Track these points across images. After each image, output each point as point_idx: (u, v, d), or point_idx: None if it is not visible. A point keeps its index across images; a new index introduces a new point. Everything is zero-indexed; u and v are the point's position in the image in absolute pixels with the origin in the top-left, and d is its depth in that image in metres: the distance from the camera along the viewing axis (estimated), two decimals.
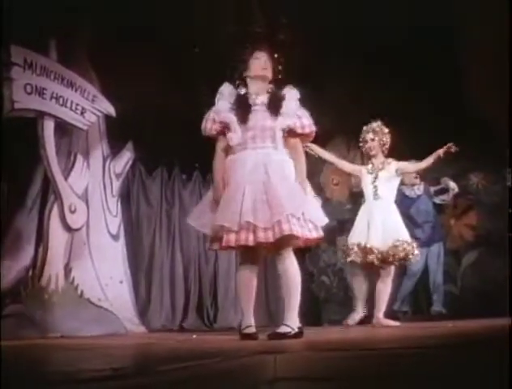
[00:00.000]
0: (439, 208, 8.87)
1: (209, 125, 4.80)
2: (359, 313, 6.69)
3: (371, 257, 6.43)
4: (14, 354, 3.66)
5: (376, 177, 6.68)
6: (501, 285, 7.94)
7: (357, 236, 6.63)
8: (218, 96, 4.89)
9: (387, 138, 6.80)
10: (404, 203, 8.69)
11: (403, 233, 6.64)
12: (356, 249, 6.53)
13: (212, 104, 5.02)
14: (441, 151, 6.78)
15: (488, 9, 6.72)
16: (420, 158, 8.56)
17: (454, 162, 8.92)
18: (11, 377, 2.00)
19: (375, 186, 6.68)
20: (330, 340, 4.12)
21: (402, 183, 8.78)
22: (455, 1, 7.45)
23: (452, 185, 8.54)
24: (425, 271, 8.66)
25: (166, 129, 7.69)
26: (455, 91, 7.94)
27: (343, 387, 2.31)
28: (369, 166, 6.80)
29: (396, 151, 8.63)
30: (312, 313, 9.11)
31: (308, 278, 9.26)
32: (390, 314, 6.89)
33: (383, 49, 7.99)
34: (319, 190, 9.17)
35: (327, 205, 9.24)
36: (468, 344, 2.85)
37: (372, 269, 6.70)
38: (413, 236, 8.60)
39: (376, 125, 6.81)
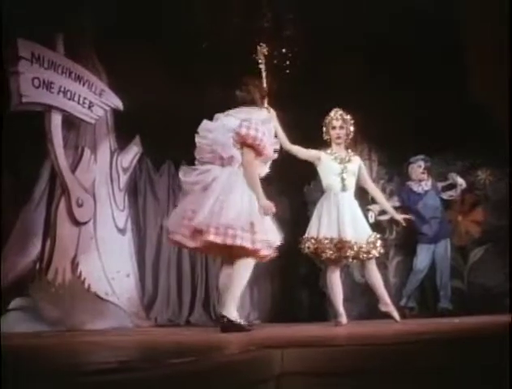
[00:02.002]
0: (446, 204, 8.83)
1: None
2: (343, 314, 6.49)
3: (350, 252, 6.20)
4: (20, 347, 3.66)
5: (344, 168, 6.48)
6: (508, 281, 7.94)
7: (327, 230, 6.24)
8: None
9: (352, 128, 6.62)
10: (411, 198, 8.68)
11: (370, 229, 6.49)
12: (328, 244, 6.21)
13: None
14: (396, 217, 6.88)
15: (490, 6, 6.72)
16: (430, 152, 8.58)
17: (462, 158, 8.92)
18: (17, 370, 2.01)
19: (343, 178, 6.47)
20: (335, 336, 4.12)
21: (409, 179, 8.79)
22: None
23: (460, 180, 8.52)
24: (432, 267, 8.62)
25: (173, 123, 7.68)
26: (464, 87, 7.92)
27: (348, 382, 2.32)
28: (334, 154, 6.55)
29: (406, 146, 8.66)
30: (319, 308, 9.11)
31: (315, 273, 9.26)
32: (397, 310, 6.83)
33: (386, 47, 7.99)
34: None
35: None
36: (469, 341, 2.84)
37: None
38: (420, 232, 8.62)
39: (342, 113, 6.62)
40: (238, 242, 4.76)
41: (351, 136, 6.61)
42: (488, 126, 7.68)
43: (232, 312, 4.81)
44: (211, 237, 4.77)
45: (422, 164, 8.67)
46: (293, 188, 9.23)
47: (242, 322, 4.92)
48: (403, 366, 2.41)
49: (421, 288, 8.83)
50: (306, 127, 7.34)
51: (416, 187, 8.69)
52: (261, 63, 6.14)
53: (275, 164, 5.41)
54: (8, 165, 6.35)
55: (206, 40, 7.73)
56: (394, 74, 8.12)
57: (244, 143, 4.99)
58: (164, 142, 8.16)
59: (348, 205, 6.38)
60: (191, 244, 5.05)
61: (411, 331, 4.37)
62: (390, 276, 9.08)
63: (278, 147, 5.31)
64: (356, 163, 6.56)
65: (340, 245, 6.16)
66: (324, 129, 6.61)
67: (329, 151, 6.54)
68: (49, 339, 4.79)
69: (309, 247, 6.28)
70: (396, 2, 7.52)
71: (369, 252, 6.23)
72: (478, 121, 7.96)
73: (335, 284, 6.42)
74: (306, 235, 6.35)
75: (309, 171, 9.05)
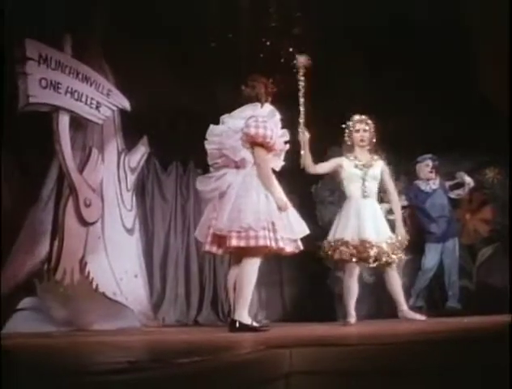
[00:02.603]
0: (454, 203, 8.81)
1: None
2: (353, 315, 6.49)
3: (371, 252, 6.17)
4: (28, 347, 3.67)
5: (366, 174, 6.48)
6: None
7: (345, 232, 6.29)
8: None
9: (374, 133, 6.63)
10: (419, 197, 8.66)
11: (392, 233, 6.48)
12: (345, 245, 6.22)
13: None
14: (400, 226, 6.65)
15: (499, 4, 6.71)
16: (438, 151, 8.55)
17: (470, 156, 8.89)
18: (26, 369, 2.01)
19: (364, 185, 6.48)
20: (344, 335, 4.11)
21: (417, 178, 8.76)
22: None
23: (468, 179, 8.50)
24: (440, 266, 8.61)
25: (181, 123, 7.70)
26: (472, 86, 7.91)
27: (356, 381, 2.31)
28: (354, 160, 6.56)
29: (414, 145, 8.64)
30: (327, 308, 9.10)
31: (323, 273, 9.25)
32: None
33: (394, 46, 7.98)
34: (335, 184, 9.16)
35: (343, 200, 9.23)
36: (473, 340, 2.85)
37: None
38: (428, 231, 8.59)
39: (365, 117, 6.64)
40: (261, 243, 4.80)
41: (374, 140, 6.63)
42: (497, 124, 7.65)
43: (244, 315, 4.84)
44: (234, 242, 4.82)
45: (430, 162, 8.65)
46: (301, 187, 9.22)
47: (255, 324, 4.95)
48: (411, 366, 2.40)
49: (429, 287, 8.81)
50: (313, 126, 7.34)
51: (423, 186, 8.67)
52: (300, 77, 6.23)
53: (284, 164, 5.42)
54: (16, 165, 6.38)
55: (213, 40, 7.73)
56: (401, 74, 8.11)
57: (254, 142, 4.99)
58: (171, 142, 8.17)
59: (370, 210, 6.42)
60: (219, 251, 5.18)
61: (420, 331, 4.36)
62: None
63: (288, 138, 5.30)
64: (379, 167, 6.58)
65: (361, 246, 6.21)
66: (346, 132, 6.63)
67: (351, 156, 6.58)
68: (57, 339, 4.80)
69: (325, 250, 6.37)
70: (405, 3, 7.51)
71: (388, 254, 6.25)
72: (486, 119, 7.95)
73: (352, 287, 6.42)
74: (325, 240, 6.43)
75: None
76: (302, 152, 6.09)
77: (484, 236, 8.96)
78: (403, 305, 6.46)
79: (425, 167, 8.66)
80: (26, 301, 6.18)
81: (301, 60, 6.26)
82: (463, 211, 9.00)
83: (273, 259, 8.53)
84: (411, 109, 8.09)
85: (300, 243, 5.11)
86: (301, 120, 6.09)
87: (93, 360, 2.57)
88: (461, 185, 8.63)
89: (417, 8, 7.51)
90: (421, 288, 8.62)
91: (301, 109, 6.13)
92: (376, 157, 6.62)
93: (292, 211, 5.11)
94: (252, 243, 4.80)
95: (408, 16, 7.61)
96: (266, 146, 5.01)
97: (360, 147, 6.55)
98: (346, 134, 6.66)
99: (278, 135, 5.13)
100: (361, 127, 6.55)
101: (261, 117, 5.03)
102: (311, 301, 9.70)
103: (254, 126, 4.96)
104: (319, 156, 8.61)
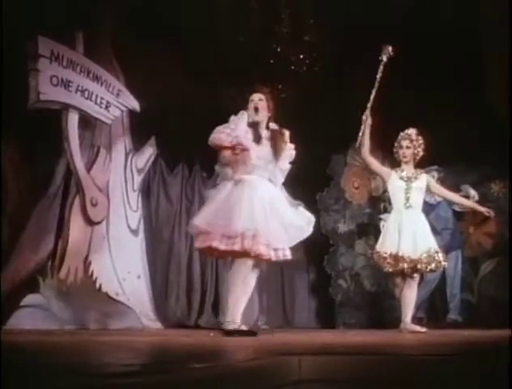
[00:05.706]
0: (458, 216, 8.83)
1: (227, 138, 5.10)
2: (407, 322, 6.63)
3: (401, 265, 6.44)
4: (31, 344, 3.68)
5: (410, 186, 6.67)
6: None
7: (388, 246, 6.61)
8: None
9: (421, 149, 6.79)
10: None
11: (434, 244, 6.65)
12: (388, 258, 6.54)
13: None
14: (480, 208, 7.14)
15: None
16: (443, 163, 8.56)
17: (476, 169, 8.89)
18: (28, 366, 2.02)
19: (408, 196, 6.67)
20: (349, 344, 4.12)
21: None
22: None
23: (472, 192, 8.49)
24: (442, 278, 8.62)
25: (189, 125, 7.70)
26: (478, 98, 7.92)
27: None
28: (402, 173, 6.75)
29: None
30: (327, 315, 9.11)
31: (325, 281, 9.26)
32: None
33: (402, 56, 7.99)
34: (340, 192, 9.17)
35: (347, 208, 9.23)
36: (470, 353, 2.86)
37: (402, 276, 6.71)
38: None
39: (412, 133, 6.79)
40: (236, 248, 4.83)
41: (419, 156, 6.85)
42: (502, 137, 7.67)
43: (233, 319, 4.89)
44: (215, 243, 4.88)
45: (435, 174, 8.65)
46: (306, 195, 9.23)
47: (243, 327, 4.94)
48: (413, 377, 2.41)
49: (431, 298, 8.81)
50: (321, 132, 7.34)
51: (428, 198, 8.64)
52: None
53: (289, 171, 5.41)
54: (24, 162, 6.39)
55: (224, 43, 7.74)
56: (409, 84, 8.12)
57: (215, 148, 5.11)
58: (178, 143, 8.17)
59: (411, 222, 6.68)
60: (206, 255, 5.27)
61: (421, 342, 4.38)
62: None
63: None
64: (423, 181, 6.84)
65: (396, 260, 6.54)
66: (395, 148, 6.92)
67: (399, 170, 6.84)
68: (59, 337, 4.81)
69: (375, 260, 6.78)
70: (417, 12, 7.52)
71: (426, 266, 6.55)
72: (492, 132, 7.96)
73: (406, 295, 6.69)
74: (375, 250, 6.80)
75: (322, 178, 9.04)
76: (360, 134, 6.46)
77: (487, 249, 8.97)
78: (408, 317, 6.55)
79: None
80: (29, 298, 6.21)
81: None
82: (467, 224, 9.01)
83: (274, 266, 8.55)
84: (416, 121, 8.09)
85: (288, 252, 5.10)
86: (369, 104, 6.46)
87: (99, 361, 2.57)
88: (465, 198, 8.63)
89: (430, 18, 7.53)
90: (422, 299, 8.62)
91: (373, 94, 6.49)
92: (420, 171, 6.84)
93: (281, 219, 5.07)
94: (229, 247, 4.86)
95: (421, 26, 7.62)
96: (226, 147, 5.06)
97: (404, 162, 6.73)
98: (394, 150, 6.94)
99: (240, 134, 5.06)
100: (404, 144, 6.81)
101: (220, 127, 5.10)
102: (312, 308, 9.71)
103: (211, 137, 5.07)
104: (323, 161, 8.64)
